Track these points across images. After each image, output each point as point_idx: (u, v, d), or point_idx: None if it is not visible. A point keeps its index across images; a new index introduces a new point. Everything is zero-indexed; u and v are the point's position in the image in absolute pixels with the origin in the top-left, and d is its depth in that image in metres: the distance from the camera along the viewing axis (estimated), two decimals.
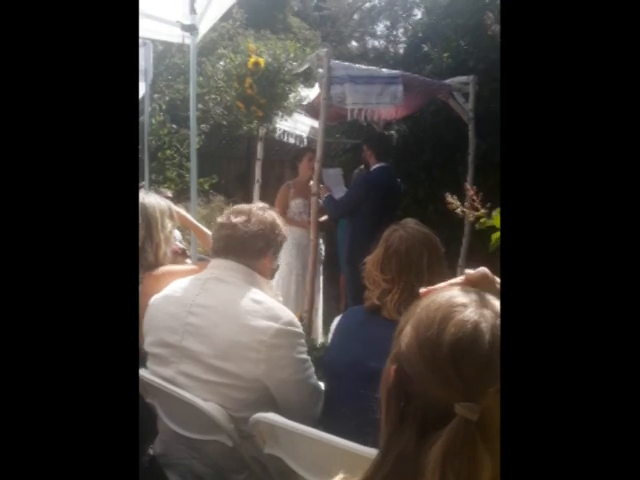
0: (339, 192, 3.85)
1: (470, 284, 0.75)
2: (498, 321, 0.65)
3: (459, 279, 0.78)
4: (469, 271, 0.77)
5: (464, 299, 0.69)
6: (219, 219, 1.63)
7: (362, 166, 4.27)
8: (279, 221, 1.65)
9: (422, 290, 0.77)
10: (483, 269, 0.78)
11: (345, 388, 1.43)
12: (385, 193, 3.70)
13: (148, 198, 1.97)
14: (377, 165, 3.78)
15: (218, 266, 1.56)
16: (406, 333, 0.69)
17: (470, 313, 0.66)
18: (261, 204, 1.70)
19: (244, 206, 1.65)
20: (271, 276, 1.69)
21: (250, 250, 1.57)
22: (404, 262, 1.50)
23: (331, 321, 1.79)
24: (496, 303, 0.68)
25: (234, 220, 1.57)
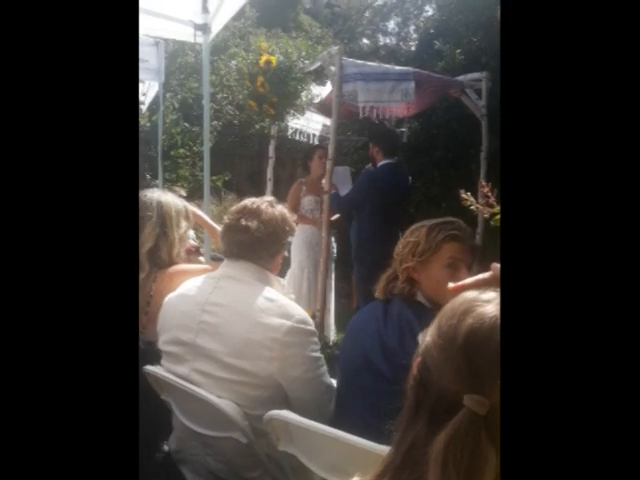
0: (346, 190, 3.84)
1: (497, 280, 0.76)
2: None
3: (487, 274, 0.78)
4: (497, 265, 0.77)
5: (488, 296, 0.70)
6: (227, 219, 1.60)
7: (370, 164, 4.26)
8: (287, 215, 1.63)
9: (451, 285, 0.79)
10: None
11: (358, 384, 1.44)
12: (390, 190, 3.66)
13: (165, 197, 1.96)
14: (383, 162, 3.76)
15: (231, 265, 1.57)
16: (432, 325, 0.72)
17: (491, 308, 0.67)
18: (268, 198, 1.65)
19: (252, 205, 1.59)
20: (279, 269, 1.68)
21: (265, 254, 1.57)
22: None
23: (343, 319, 1.79)
24: None
25: (245, 223, 1.54)
